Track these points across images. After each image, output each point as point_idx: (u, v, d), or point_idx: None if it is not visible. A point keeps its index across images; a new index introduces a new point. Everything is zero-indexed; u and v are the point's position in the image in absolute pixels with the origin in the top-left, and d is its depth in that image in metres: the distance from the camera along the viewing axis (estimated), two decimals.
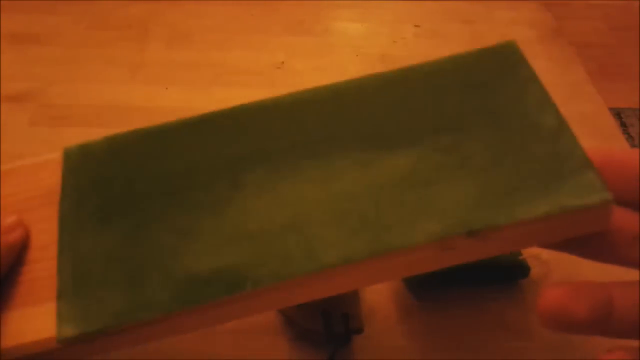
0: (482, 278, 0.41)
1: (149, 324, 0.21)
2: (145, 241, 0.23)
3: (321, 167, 0.24)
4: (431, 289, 0.41)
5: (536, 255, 0.41)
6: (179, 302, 0.22)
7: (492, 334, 0.39)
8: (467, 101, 0.25)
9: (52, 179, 0.26)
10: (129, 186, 0.25)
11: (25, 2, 0.70)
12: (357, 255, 0.22)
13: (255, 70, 0.61)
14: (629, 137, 1.33)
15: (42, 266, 0.23)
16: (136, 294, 0.22)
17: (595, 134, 0.53)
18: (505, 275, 0.41)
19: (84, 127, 0.53)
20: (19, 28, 0.66)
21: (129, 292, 0.22)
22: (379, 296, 0.40)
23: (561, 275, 0.42)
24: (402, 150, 0.24)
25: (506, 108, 0.25)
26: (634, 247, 0.23)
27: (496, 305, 0.40)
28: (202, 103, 0.56)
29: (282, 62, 0.62)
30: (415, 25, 0.65)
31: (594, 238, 0.23)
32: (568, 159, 0.23)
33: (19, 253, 0.24)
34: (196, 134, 0.27)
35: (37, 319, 0.22)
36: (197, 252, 0.23)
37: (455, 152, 0.24)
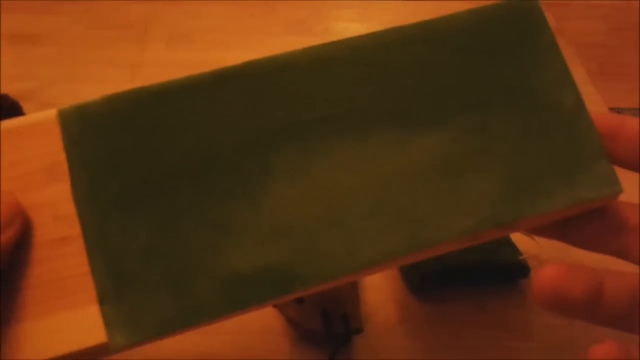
0: (482, 278, 0.41)
1: (198, 326, 0.21)
2: (179, 235, 0.22)
3: (352, 149, 0.23)
4: (431, 289, 0.41)
5: (536, 256, 0.41)
6: (230, 305, 0.21)
7: (492, 334, 0.39)
8: (490, 70, 0.25)
9: (52, 146, 0.23)
10: (147, 165, 0.23)
11: (25, 2, 0.70)
12: (398, 252, 0.22)
13: None
14: None
15: (66, 263, 0.21)
16: (185, 298, 0.21)
17: None
18: (505, 275, 0.41)
19: None
20: (19, 28, 0.66)
21: (177, 295, 0.21)
22: (379, 296, 0.40)
23: None
24: (432, 129, 0.24)
25: (528, 81, 0.25)
26: (621, 237, 0.24)
27: (496, 305, 0.40)
28: None
29: None
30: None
31: (584, 227, 0.24)
32: (585, 146, 0.24)
33: (17, 247, 0.21)
34: (210, 99, 0.25)
35: (81, 324, 0.21)
36: (238, 248, 0.22)
37: (481, 133, 0.24)
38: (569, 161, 0.24)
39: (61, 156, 0.23)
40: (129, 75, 0.60)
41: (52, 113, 0.23)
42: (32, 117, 0.23)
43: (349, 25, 0.69)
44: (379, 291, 0.41)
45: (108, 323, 0.21)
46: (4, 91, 0.56)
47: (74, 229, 0.22)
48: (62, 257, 0.21)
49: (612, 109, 0.68)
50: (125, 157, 0.23)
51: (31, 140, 0.23)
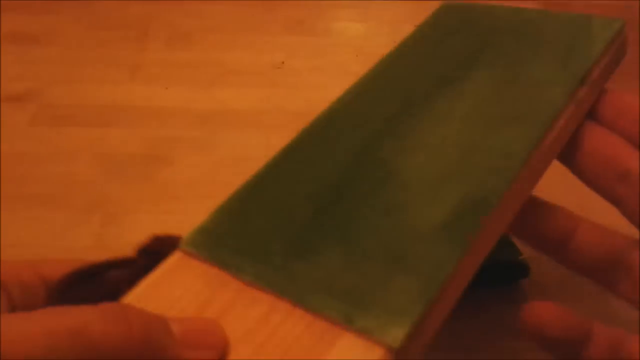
0: (482, 278, 0.41)
1: None
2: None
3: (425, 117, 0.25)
4: None
5: (536, 256, 0.41)
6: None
7: (492, 334, 0.39)
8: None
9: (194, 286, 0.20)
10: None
11: (25, 2, 0.70)
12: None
13: (255, 70, 0.61)
14: None
15: None
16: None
17: None
18: (505, 275, 0.41)
19: (84, 127, 0.53)
20: (19, 28, 0.66)
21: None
22: None
23: (561, 274, 0.42)
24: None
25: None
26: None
27: (496, 305, 0.40)
28: (202, 103, 0.56)
29: (282, 62, 0.62)
30: (416, 25, 0.65)
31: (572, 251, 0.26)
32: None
33: None
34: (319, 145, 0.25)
35: None
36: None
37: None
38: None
39: (207, 293, 0.19)
40: (129, 75, 0.60)
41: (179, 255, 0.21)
42: (169, 262, 0.21)
43: (349, 25, 0.69)
44: None
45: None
46: (4, 91, 0.57)
47: None
48: None
49: None
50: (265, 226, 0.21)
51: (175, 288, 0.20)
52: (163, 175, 0.48)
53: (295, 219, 0.21)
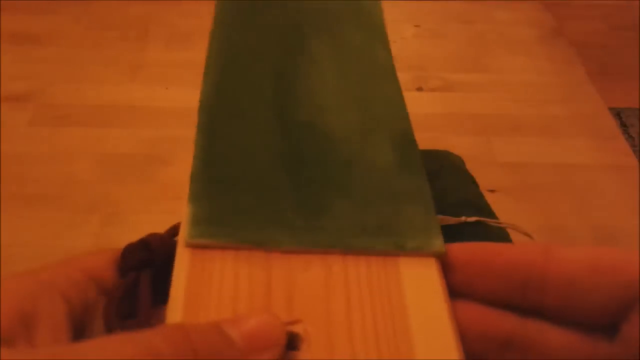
0: None
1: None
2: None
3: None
4: None
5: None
6: None
7: None
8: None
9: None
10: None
11: (25, 2, 0.70)
12: None
13: None
14: (629, 137, 1.33)
15: None
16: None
17: (595, 134, 0.53)
18: None
19: (84, 127, 0.53)
20: (19, 28, 0.66)
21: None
22: None
23: None
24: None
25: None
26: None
27: None
28: None
29: None
30: (415, 25, 0.65)
31: None
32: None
33: None
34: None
35: None
36: None
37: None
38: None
39: (255, 276, 0.19)
40: (129, 75, 0.60)
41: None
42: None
43: None
44: None
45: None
46: (4, 91, 0.57)
47: None
48: None
49: (612, 109, 0.68)
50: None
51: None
52: (163, 175, 0.48)
53: (276, 180, 0.22)
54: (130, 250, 0.21)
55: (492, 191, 0.46)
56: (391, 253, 0.19)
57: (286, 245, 0.20)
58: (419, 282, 0.19)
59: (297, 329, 0.16)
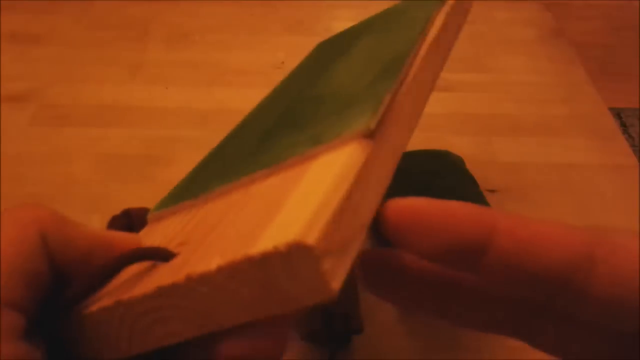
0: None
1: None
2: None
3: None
4: None
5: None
6: None
7: (492, 334, 0.39)
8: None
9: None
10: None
11: (25, 2, 0.70)
12: None
13: (255, 70, 0.61)
14: (629, 137, 1.33)
15: None
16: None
17: (595, 134, 0.53)
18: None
19: (84, 127, 0.53)
20: (19, 28, 0.66)
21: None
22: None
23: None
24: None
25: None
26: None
27: None
28: (202, 103, 0.56)
29: (282, 62, 0.62)
30: None
31: None
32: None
33: None
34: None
35: None
36: None
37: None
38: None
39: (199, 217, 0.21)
40: (129, 75, 0.60)
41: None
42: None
43: (349, 25, 0.69)
44: None
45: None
46: (4, 91, 0.57)
47: None
48: None
49: (612, 109, 0.68)
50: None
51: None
52: (163, 175, 0.48)
53: (249, 147, 0.23)
54: (116, 218, 0.29)
55: (492, 191, 0.46)
56: (308, 154, 0.18)
57: (213, 188, 0.21)
58: (320, 172, 0.16)
59: (178, 249, 0.17)
